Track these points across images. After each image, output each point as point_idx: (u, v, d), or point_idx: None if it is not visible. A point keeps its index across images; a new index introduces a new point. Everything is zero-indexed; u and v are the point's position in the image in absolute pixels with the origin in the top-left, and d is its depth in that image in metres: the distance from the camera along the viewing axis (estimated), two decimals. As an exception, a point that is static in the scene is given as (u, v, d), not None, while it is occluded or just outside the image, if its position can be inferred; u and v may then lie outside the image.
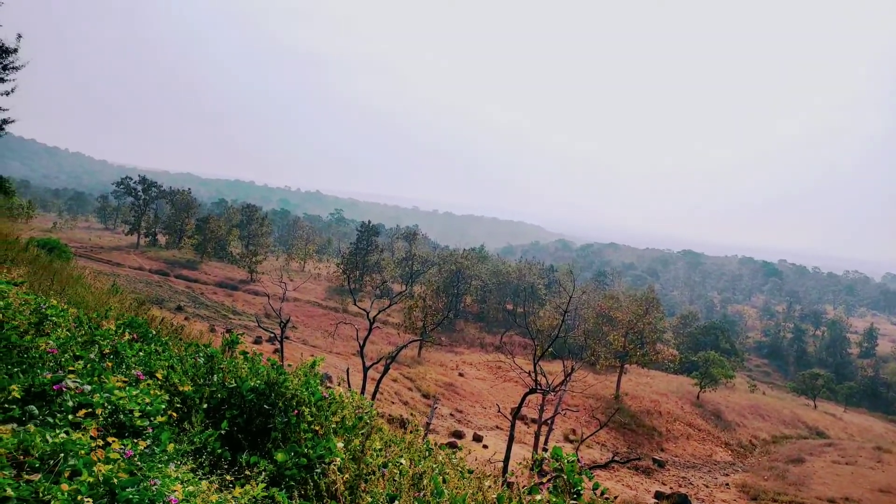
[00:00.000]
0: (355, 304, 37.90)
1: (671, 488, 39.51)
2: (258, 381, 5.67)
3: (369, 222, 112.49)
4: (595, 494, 4.49)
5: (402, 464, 5.35)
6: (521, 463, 7.08)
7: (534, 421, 49.41)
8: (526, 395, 22.86)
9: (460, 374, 61.44)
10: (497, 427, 47.97)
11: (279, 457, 4.69)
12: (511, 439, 21.65)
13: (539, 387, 25.57)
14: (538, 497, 4.20)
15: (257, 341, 53.68)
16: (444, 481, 5.52)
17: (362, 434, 5.74)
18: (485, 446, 39.38)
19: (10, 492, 2.75)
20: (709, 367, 68.47)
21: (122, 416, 4.09)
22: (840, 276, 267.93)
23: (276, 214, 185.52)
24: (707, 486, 42.83)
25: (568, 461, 4.54)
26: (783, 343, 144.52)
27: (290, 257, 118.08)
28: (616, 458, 31.31)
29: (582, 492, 4.36)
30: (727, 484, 44.07)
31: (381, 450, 5.63)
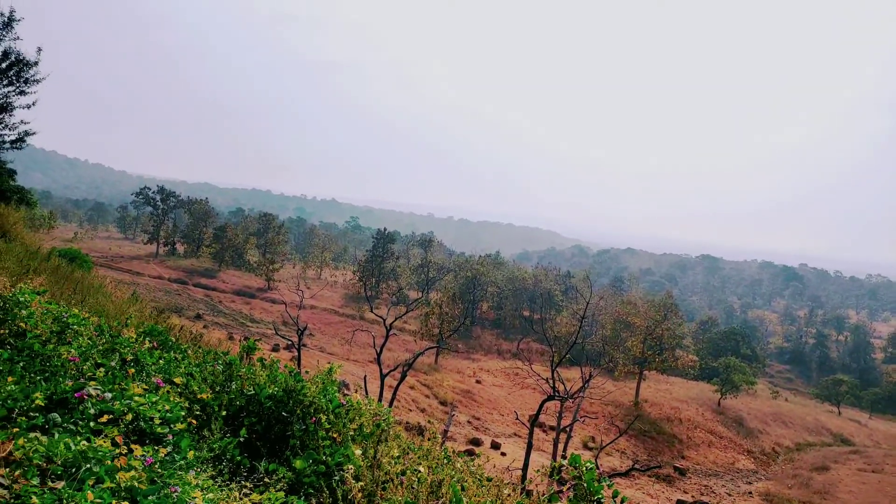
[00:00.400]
0: (372, 312, 37.98)
1: (693, 497, 38.96)
2: (276, 389, 5.69)
3: (385, 229, 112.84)
4: (615, 502, 4.43)
5: (420, 471, 5.32)
6: (539, 470, 7.03)
7: (552, 428, 49.06)
8: (544, 401, 22.72)
9: (477, 381, 61.24)
10: (515, 434, 47.68)
11: (298, 464, 4.70)
12: (529, 446, 21.50)
13: (557, 394, 25.39)
14: (559, 504, 4.17)
15: (275, 349, 54.00)
16: (463, 489, 5.49)
17: (380, 441, 5.74)
18: (503, 454, 39.14)
19: (35, 500, 2.78)
20: (730, 374, 67.56)
21: (142, 424, 4.12)
22: (863, 280, 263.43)
23: (293, 222, 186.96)
24: (730, 495, 42.18)
25: (587, 468, 4.50)
26: (805, 349, 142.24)
27: (307, 265, 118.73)
28: (636, 466, 30.94)
29: (602, 500, 4.31)
30: (750, 493, 43.36)
31: (398, 457, 5.61)
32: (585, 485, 4.34)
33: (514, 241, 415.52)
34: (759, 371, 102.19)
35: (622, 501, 4.44)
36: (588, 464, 4.57)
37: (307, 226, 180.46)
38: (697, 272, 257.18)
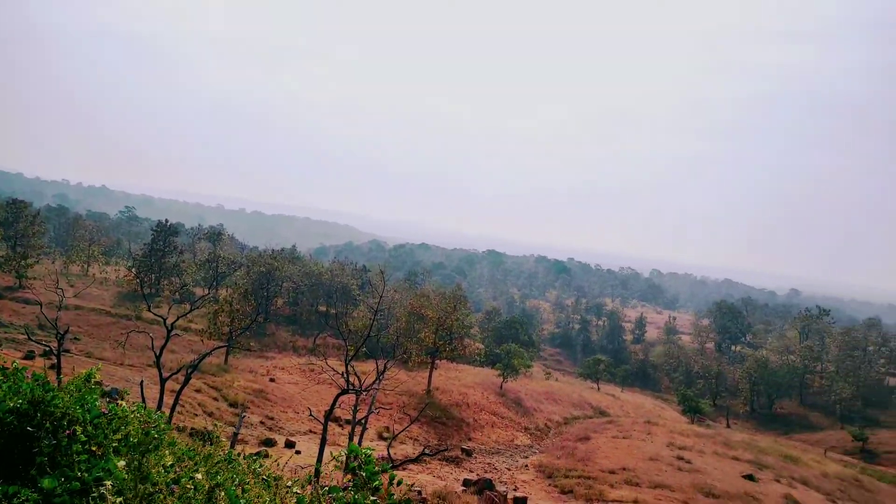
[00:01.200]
0: (150, 311, 34.67)
1: (478, 475, 41.90)
2: (19, 401, 4.94)
3: (166, 221, 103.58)
4: (393, 486, 4.63)
5: (197, 478, 5.02)
6: (335, 464, 7.06)
7: (348, 422, 49.29)
8: (338, 396, 22.77)
9: (271, 380, 59.20)
10: (311, 431, 47.05)
11: (46, 483, 4.13)
12: (323, 442, 21.39)
13: (352, 387, 25.60)
14: (339, 495, 4.23)
15: (29, 356, 46.55)
16: (245, 491, 5.30)
17: (151, 451, 5.29)
18: (297, 452, 38.46)
19: None
20: (510, 359, 73.83)
21: None
22: (616, 273, 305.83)
23: (52, 211, 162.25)
24: (509, 469, 46.16)
25: (365, 456, 4.63)
26: (572, 333, 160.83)
27: (70, 260, 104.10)
28: (426, 451, 32.46)
29: (380, 486, 4.47)
30: (526, 465, 47.90)
31: (172, 466, 5.22)
32: (364, 473, 4.47)
33: (312, 236, 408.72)
34: (534, 355, 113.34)
35: (398, 484, 4.66)
36: (367, 451, 4.71)
37: (70, 215, 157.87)
38: (484, 266, 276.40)
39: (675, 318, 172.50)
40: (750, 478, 45.45)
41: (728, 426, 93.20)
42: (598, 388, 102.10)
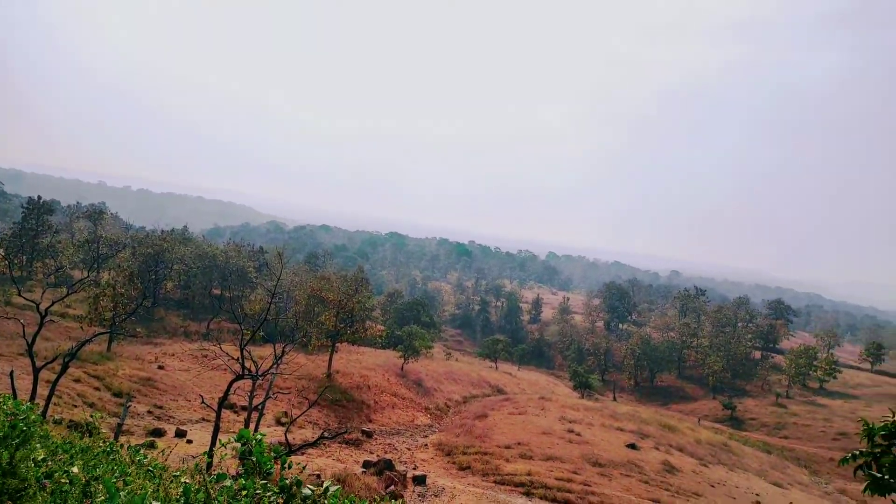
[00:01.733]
0: (20, 295, 31.81)
1: (378, 456, 42.13)
2: None
3: (39, 198, 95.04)
4: (285, 470, 4.61)
5: (72, 472, 4.74)
6: (231, 452, 6.88)
7: (244, 408, 47.94)
8: (232, 382, 22.06)
9: (160, 367, 56.19)
10: (204, 419, 45.25)
11: None
12: (216, 429, 20.69)
13: (248, 372, 24.87)
14: (227, 483, 4.14)
15: None
16: (126, 484, 5.07)
17: (19, 445, 4.93)
18: (189, 441, 36.92)
19: None
20: (412, 340, 74.45)
21: None
22: (515, 255, 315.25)
23: None
24: (409, 449, 46.76)
25: (255, 441, 4.57)
26: (472, 314, 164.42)
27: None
28: (325, 435, 32.21)
29: (272, 471, 4.43)
30: (426, 445, 48.71)
31: (44, 459, 4.91)
32: (255, 458, 4.42)
33: (205, 216, 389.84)
34: (436, 336, 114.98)
35: (289, 467, 4.64)
36: (258, 436, 4.65)
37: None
38: (387, 248, 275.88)
39: (568, 299, 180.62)
40: (633, 447, 48.79)
41: (615, 399, 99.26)
42: (497, 367, 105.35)
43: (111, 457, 5.96)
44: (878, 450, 7.32)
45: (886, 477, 6.99)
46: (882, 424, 7.31)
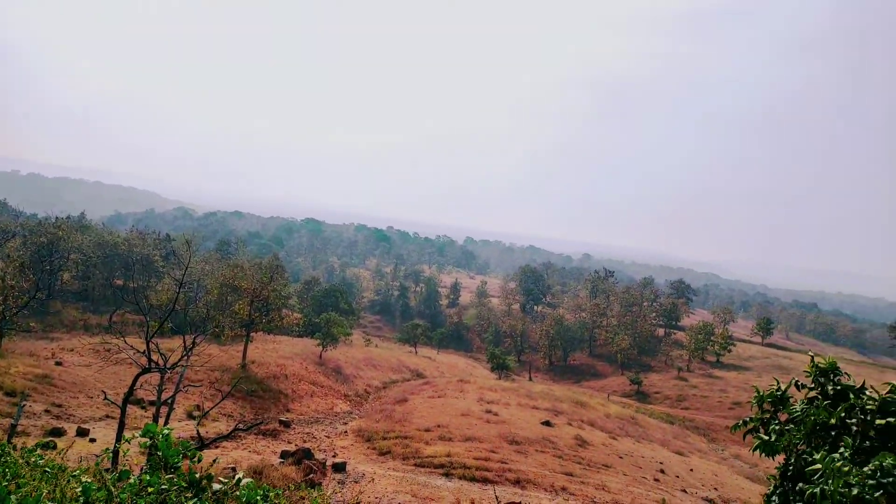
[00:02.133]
0: None
1: (296, 445, 41.49)
2: None
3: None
4: (195, 464, 4.48)
5: (-44, 479, 4.41)
6: (135, 450, 6.58)
7: (152, 403, 45.85)
8: (137, 376, 21.04)
9: (58, 363, 52.62)
10: (108, 416, 42.88)
11: None
12: (121, 426, 19.70)
13: (155, 365, 23.78)
14: (130, 480, 3.98)
15: None
16: (19, 486, 4.77)
17: None
18: (92, 440, 34.96)
19: None
20: (330, 328, 73.51)
21: None
22: (434, 241, 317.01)
23: None
24: (329, 437, 46.34)
25: (162, 436, 4.42)
26: (392, 300, 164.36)
27: None
28: (240, 427, 31.38)
29: (180, 464, 4.30)
30: (346, 432, 48.44)
31: (-78, 468, 4.53)
32: (161, 453, 4.27)
33: (105, 202, 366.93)
34: (354, 323, 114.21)
35: (199, 461, 4.53)
36: (164, 431, 4.49)
37: None
38: (303, 235, 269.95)
39: (486, 283, 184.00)
40: (547, 424, 50.65)
41: (531, 379, 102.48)
42: (416, 352, 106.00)
43: (2, 458, 5.58)
44: (767, 415, 8.02)
45: (772, 438, 7.66)
46: (769, 392, 7.98)
